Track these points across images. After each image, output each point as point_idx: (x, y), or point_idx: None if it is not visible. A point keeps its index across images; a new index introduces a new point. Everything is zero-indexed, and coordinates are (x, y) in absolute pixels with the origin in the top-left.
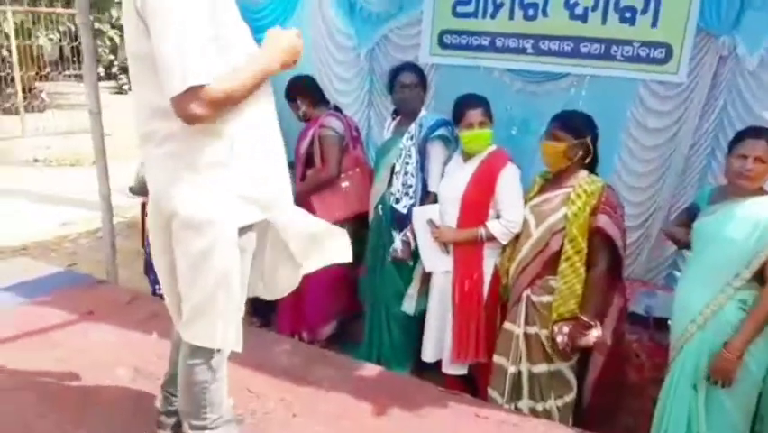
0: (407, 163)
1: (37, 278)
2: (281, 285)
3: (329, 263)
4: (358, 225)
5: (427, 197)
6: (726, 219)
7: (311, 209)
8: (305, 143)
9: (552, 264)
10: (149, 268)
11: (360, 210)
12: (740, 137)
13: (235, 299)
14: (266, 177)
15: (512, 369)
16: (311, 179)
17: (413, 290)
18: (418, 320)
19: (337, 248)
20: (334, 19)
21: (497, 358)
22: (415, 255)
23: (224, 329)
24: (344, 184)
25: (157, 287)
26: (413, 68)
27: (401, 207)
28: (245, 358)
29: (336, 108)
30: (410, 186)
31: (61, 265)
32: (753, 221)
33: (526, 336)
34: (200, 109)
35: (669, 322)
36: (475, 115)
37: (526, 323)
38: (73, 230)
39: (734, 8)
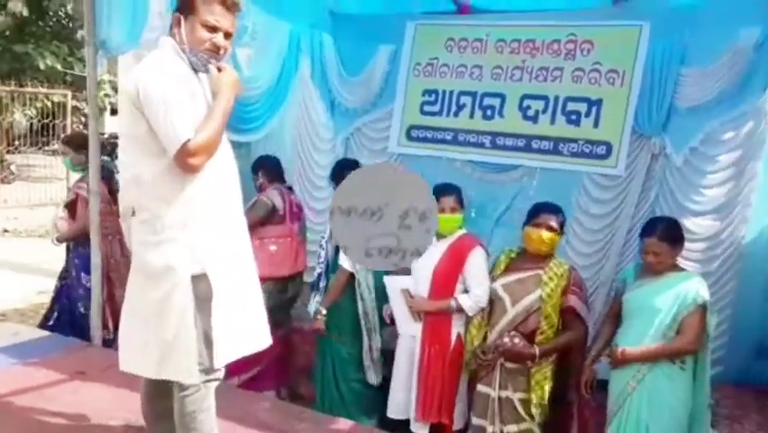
0: (322, 237)
1: (26, 341)
2: None
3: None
4: (281, 287)
5: (337, 268)
6: (652, 292)
7: None
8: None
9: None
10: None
11: (279, 274)
12: (641, 233)
13: (192, 337)
14: (219, 236)
15: (490, 429)
16: None
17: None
18: (368, 385)
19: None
20: (318, 112)
21: (476, 420)
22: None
23: (191, 362)
24: (272, 247)
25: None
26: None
27: (315, 274)
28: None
29: (289, 188)
30: (320, 256)
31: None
32: (674, 293)
33: (500, 399)
34: (194, 159)
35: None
36: (447, 201)
37: (500, 387)
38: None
39: (662, 115)
